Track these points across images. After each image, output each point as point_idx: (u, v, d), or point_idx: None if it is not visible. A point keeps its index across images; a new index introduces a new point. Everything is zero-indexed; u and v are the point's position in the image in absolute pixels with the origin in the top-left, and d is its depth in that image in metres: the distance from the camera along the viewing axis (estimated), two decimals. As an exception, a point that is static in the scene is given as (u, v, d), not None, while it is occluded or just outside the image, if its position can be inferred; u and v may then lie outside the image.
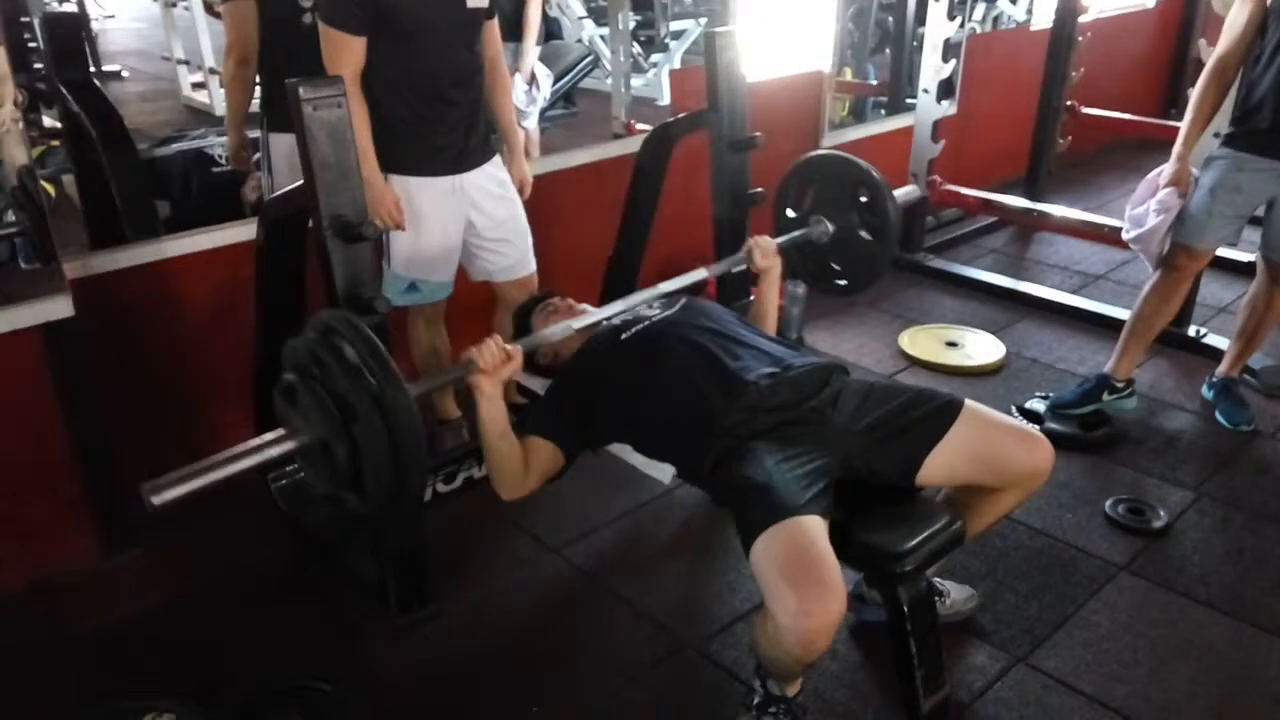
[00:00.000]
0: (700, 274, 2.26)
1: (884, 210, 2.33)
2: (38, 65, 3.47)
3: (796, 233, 2.42)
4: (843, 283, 2.51)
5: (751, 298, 2.76)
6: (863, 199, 2.36)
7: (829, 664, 2.01)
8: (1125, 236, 2.72)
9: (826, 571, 1.51)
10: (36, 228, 2.16)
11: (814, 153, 2.53)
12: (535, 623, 2.19)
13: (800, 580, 1.49)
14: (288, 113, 1.76)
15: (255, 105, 2.82)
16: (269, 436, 1.49)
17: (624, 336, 1.96)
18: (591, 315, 2.03)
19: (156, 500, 1.35)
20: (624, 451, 2.05)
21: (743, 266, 2.30)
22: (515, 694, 1.98)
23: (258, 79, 2.73)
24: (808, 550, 1.53)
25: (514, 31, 3.91)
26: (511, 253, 2.55)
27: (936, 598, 2.01)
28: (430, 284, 2.43)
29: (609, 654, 2.07)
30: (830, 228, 2.40)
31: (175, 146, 3.57)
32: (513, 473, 1.84)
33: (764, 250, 2.25)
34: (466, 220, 2.43)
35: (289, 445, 1.49)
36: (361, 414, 1.43)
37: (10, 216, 2.18)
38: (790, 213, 2.49)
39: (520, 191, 2.58)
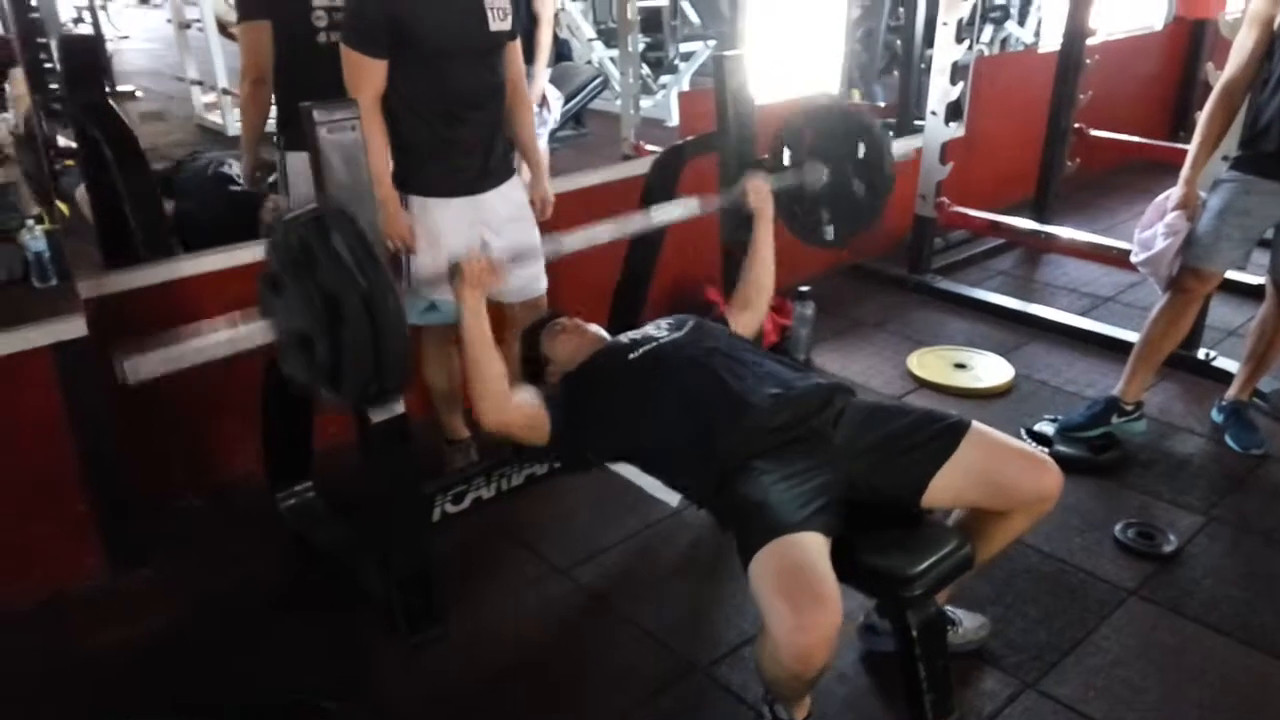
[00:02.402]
0: (692, 203, 2.33)
1: (880, 162, 2.37)
2: (54, 86, 3.51)
3: (790, 177, 2.47)
4: (830, 235, 2.56)
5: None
6: (860, 153, 2.40)
7: (837, 688, 2.00)
8: (1134, 259, 2.72)
9: (822, 586, 1.51)
10: (35, 171, 2.19)
11: (810, 101, 2.56)
12: (543, 643, 2.18)
13: (795, 595, 1.49)
14: (303, 131, 1.78)
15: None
16: (250, 326, 1.52)
17: (631, 356, 1.97)
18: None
19: (133, 378, 1.42)
20: (632, 473, 2.06)
21: (737, 203, 2.32)
22: (522, 715, 1.97)
23: (273, 99, 2.75)
24: (803, 566, 1.53)
25: (525, 54, 3.92)
26: (523, 273, 2.55)
27: (949, 626, 2.00)
28: (449, 303, 2.42)
29: (617, 676, 2.07)
30: (825, 175, 2.45)
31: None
32: (494, 391, 1.86)
33: (758, 191, 2.28)
34: (480, 240, 2.44)
35: (269, 334, 1.52)
36: (349, 314, 1.43)
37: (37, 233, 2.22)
38: (786, 160, 2.53)
39: (542, 210, 2.60)
